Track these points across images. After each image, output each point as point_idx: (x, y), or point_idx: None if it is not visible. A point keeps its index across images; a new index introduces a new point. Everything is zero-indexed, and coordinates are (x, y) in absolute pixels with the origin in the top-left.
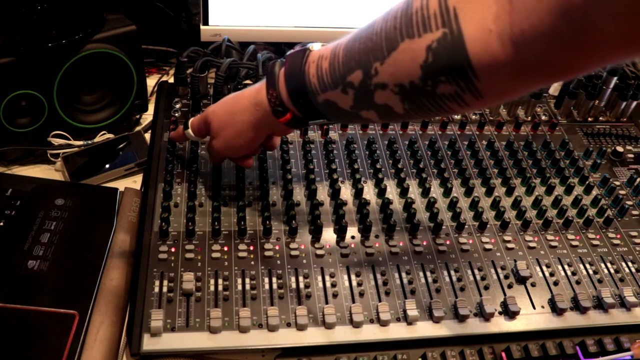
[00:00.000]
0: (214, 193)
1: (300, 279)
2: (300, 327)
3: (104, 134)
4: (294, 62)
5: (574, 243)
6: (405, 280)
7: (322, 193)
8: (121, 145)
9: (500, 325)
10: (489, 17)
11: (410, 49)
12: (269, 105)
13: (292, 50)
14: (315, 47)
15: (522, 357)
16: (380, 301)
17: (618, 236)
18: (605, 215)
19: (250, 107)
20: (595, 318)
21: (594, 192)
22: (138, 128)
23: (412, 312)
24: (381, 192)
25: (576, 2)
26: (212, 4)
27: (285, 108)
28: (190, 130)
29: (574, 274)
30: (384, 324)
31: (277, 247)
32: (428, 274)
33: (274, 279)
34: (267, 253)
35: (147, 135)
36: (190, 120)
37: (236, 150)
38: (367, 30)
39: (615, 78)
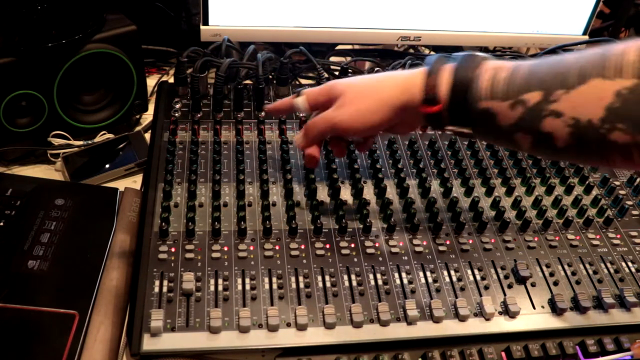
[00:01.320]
0: (214, 193)
1: (300, 279)
2: (300, 327)
3: (104, 134)
4: (467, 60)
5: (574, 243)
6: (405, 280)
7: (322, 193)
8: (121, 145)
9: (500, 325)
10: None
11: (600, 87)
12: (422, 91)
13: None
14: (491, 58)
15: (522, 357)
16: (380, 301)
17: (618, 236)
18: (605, 215)
19: (397, 87)
20: (595, 318)
21: (594, 192)
22: (138, 128)
23: (412, 312)
24: (381, 192)
25: None
26: (212, 4)
27: (437, 100)
28: (304, 98)
29: (574, 274)
30: (384, 324)
31: (277, 247)
32: (428, 274)
33: (274, 279)
34: (267, 253)
35: (147, 135)
36: (307, 89)
37: (362, 124)
38: (557, 59)
39: None
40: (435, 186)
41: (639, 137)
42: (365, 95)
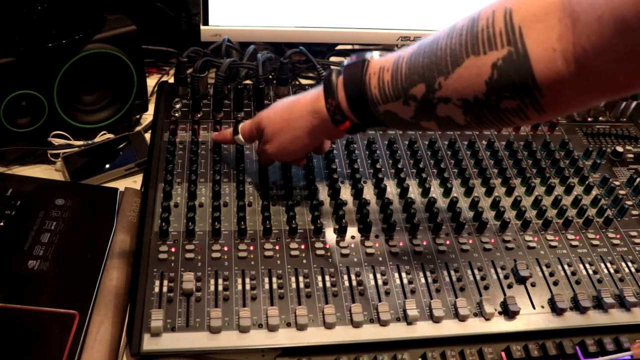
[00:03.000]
0: (214, 193)
1: (300, 279)
2: (300, 327)
3: (104, 134)
4: (353, 72)
5: (574, 243)
6: (405, 280)
7: (322, 193)
8: (121, 145)
9: (500, 325)
10: (553, 37)
11: (475, 65)
12: (328, 114)
13: (349, 60)
14: (375, 56)
15: (522, 357)
16: (380, 301)
17: (618, 236)
18: (605, 215)
19: (308, 114)
20: (595, 318)
21: (594, 192)
22: (138, 128)
23: (412, 312)
24: (381, 192)
25: (631, 22)
26: (212, 4)
27: (344, 116)
28: (240, 136)
29: (573, 274)
30: (384, 323)
31: (277, 247)
32: (428, 274)
33: (274, 279)
34: (267, 253)
35: (147, 135)
36: (241, 125)
37: (289, 154)
38: (430, 45)
39: None
40: (435, 186)
41: (526, 99)
42: (282, 129)
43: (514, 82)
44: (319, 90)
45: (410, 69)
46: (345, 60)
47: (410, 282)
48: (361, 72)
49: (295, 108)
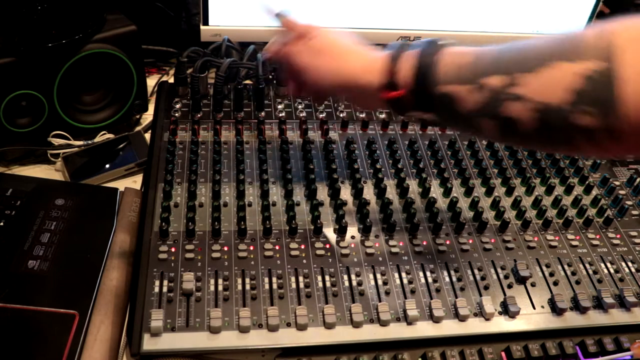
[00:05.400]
0: (214, 193)
1: (300, 279)
2: (300, 327)
3: (104, 134)
4: (428, 45)
5: (574, 243)
6: (405, 280)
7: (322, 193)
8: (121, 145)
9: (500, 325)
10: None
11: (564, 70)
12: (383, 76)
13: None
14: (448, 40)
15: (522, 357)
16: (380, 301)
17: (618, 236)
18: (605, 215)
19: (360, 67)
20: (595, 318)
21: (594, 192)
22: (138, 128)
23: (412, 312)
24: (381, 192)
25: None
26: (212, 4)
27: (398, 85)
28: (285, 15)
29: (573, 274)
30: (384, 323)
31: (277, 247)
32: (428, 274)
33: (274, 279)
34: (267, 253)
35: (147, 135)
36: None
37: (311, 79)
38: (520, 44)
39: None
40: (435, 186)
41: (603, 119)
42: (331, 57)
43: (599, 98)
44: (381, 54)
45: (494, 60)
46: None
47: (410, 282)
48: (435, 49)
49: (354, 52)
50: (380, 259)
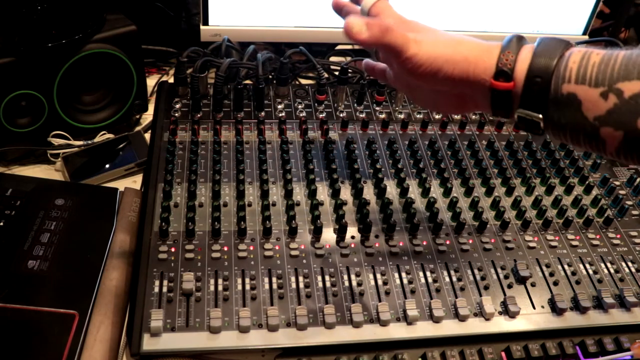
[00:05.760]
0: (214, 193)
1: (300, 279)
2: (300, 327)
3: (104, 134)
4: (550, 41)
5: (574, 243)
6: (405, 280)
7: (322, 193)
8: (121, 145)
9: (500, 325)
10: None
11: None
12: (496, 64)
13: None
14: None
15: (522, 357)
16: (380, 301)
17: (618, 236)
18: (605, 215)
19: (474, 50)
20: (595, 318)
21: (594, 192)
22: (138, 128)
23: (412, 312)
24: (381, 192)
25: None
26: (212, 4)
27: (511, 75)
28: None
29: (573, 274)
30: (384, 324)
31: (277, 247)
32: (428, 274)
33: (274, 279)
34: (267, 253)
35: (147, 135)
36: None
37: (426, 53)
38: None
39: None
40: (435, 186)
41: None
42: (446, 39)
43: None
44: (494, 43)
45: (630, 62)
46: None
47: (410, 282)
48: (561, 45)
49: (464, 39)
50: (380, 259)
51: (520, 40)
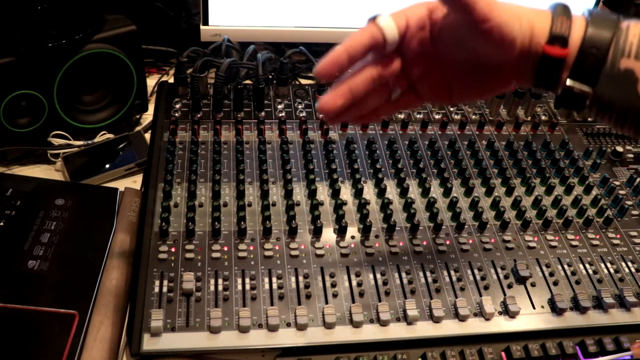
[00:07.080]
0: (214, 193)
1: (300, 279)
2: (300, 327)
3: (104, 134)
4: (602, 13)
5: (574, 243)
6: (405, 280)
7: (322, 193)
8: (121, 145)
9: (500, 325)
10: None
11: None
12: (549, 29)
13: None
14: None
15: (522, 357)
16: (380, 301)
17: (618, 236)
18: (605, 215)
19: (529, 13)
20: (595, 318)
21: (594, 192)
22: (138, 128)
23: (412, 312)
24: (381, 192)
25: None
26: (212, 4)
27: (566, 41)
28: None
29: (573, 274)
30: (384, 323)
31: (277, 247)
32: (428, 274)
33: (274, 279)
34: (267, 253)
35: (147, 135)
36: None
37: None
38: None
39: None
40: (435, 186)
41: None
42: (501, 4)
43: None
44: (544, 9)
45: None
46: None
47: (410, 282)
48: (615, 17)
49: (515, 5)
50: (380, 259)
51: (566, 7)
